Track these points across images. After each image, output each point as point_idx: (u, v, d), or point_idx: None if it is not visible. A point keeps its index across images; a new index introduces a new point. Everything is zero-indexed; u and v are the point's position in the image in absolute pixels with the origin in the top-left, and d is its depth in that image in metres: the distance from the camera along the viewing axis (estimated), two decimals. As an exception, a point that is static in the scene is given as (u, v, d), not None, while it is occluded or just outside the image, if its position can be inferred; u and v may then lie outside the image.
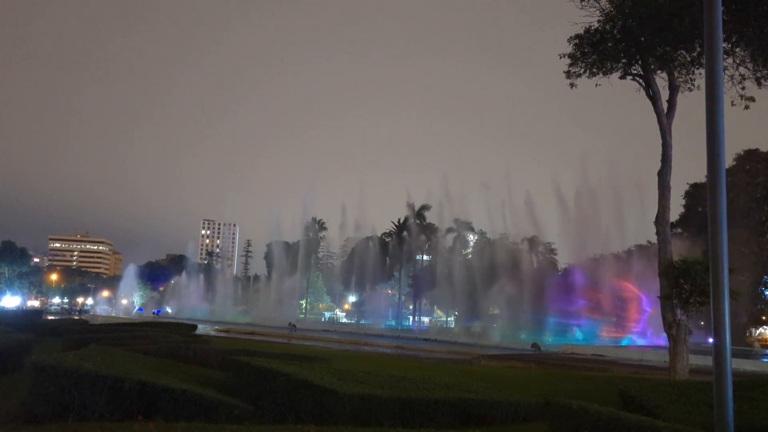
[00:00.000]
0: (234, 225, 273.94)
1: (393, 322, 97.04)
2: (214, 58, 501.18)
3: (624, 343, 58.78)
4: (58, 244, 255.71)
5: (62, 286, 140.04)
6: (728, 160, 61.46)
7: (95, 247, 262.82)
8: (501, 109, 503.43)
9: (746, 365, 34.75)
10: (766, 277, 66.11)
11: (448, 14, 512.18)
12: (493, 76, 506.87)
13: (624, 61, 22.67)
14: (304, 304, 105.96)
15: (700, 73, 22.95)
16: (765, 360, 41.14)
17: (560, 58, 23.11)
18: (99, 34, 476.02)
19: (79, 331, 25.41)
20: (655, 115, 22.89)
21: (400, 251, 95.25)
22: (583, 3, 21.93)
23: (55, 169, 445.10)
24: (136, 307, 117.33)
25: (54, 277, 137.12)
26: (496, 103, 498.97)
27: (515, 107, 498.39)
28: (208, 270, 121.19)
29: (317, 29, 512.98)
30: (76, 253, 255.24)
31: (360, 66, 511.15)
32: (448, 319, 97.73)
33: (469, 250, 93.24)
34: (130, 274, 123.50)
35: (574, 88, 23.26)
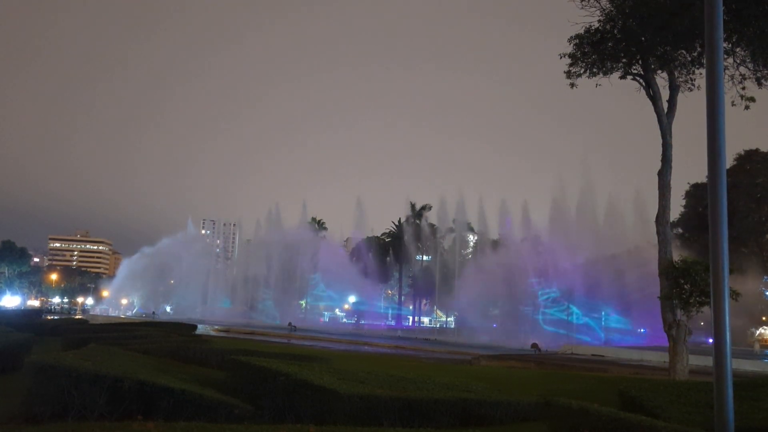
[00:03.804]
0: (234, 225, 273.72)
1: (393, 323, 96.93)
2: (219, 63, 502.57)
3: None
4: (58, 244, 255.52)
5: (62, 286, 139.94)
6: (728, 161, 61.37)
7: (95, 247, 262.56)
8: (501, 112, 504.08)
9: (746, 365, 34.69)
10: (766, 277, 66.06)
11: (448, 23, 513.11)
12: (492, 81, 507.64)
13: (624, 60, 22.64)
14: (304, 305, 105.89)
15: (701, 73, 22.94)
16: (765, 360, 41.10)
17: (560, 57, 23.12)
18: (104, 36, 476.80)
19: (78, 331, 25.43)
20: (655, 115, 22.88)
21: (399, 251, 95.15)
22: (583, 3, 21.91)
23: (55, 169, 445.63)
24: (136, 307, 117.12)
25: (54, 276, 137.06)
26: (495, 106, 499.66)
27: (515, 110, 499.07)
28: (207, 270, 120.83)
29: (321, 38, 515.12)
30: (76, 253, 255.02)
31: (362, 74, 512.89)
32: (448, 319, 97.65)
33: (469, 250, 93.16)
34: (130, 274, 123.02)
35: (574, 87, 23.25)
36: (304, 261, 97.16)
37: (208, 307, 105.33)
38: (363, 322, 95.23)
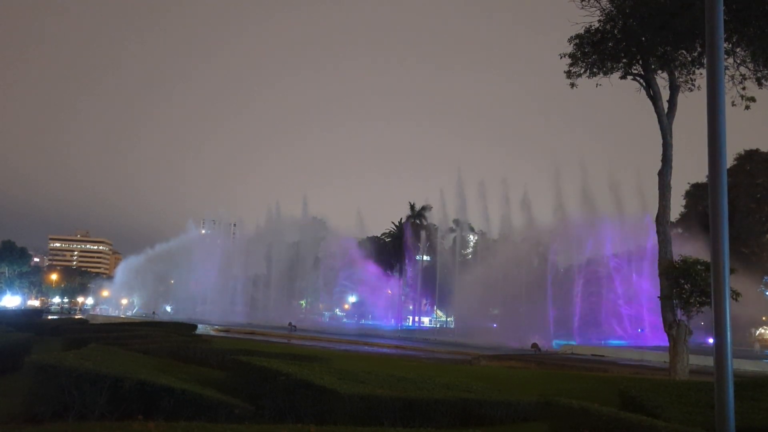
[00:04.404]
0: (234, 225, 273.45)
1: (393, 322, 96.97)
2: (218, 60, 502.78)
3: None
4: (58, 244, 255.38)
5: (62, 286, 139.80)
6: (729, 161, 61.40)
7: (95, 247, 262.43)
8: (501, 112, 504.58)
9: (746, 365, 34.69)
10: (766, 277, 66.08)
11: (448, 21, 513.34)
12: (492, 81, 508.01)
13: (624, 60, 22.64)
14: (304, 304, 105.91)
15: (701, 73, 22.95)
16: (765, 360, 41.09)
17: (561, 57, 23.11)
18: (101, 35, 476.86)
19: (78, 331, 25.44)
20: (655, 115, 22.89)
21: (400, 251, 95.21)
22: (583, 3, 21.91)
23: (55, 169, 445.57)
24: (136, 307, 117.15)
25: (54, 276, 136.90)
26: (495, 107, 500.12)
27: (515, 111, 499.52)
28: (207, 269, 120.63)
29: (319, 37, 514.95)
30: (76, 252, 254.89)
31: (361, 72, 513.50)
32: (448, 319, 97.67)
33: (469, 250, 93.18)
34: (129, 274, 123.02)
35: (574, 87, 23.24)
36: (310, 257, 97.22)
37: (208, 307, 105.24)
38: (363, 321, 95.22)
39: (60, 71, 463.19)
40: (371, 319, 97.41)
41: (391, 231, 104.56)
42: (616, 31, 21.89)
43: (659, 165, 22.83)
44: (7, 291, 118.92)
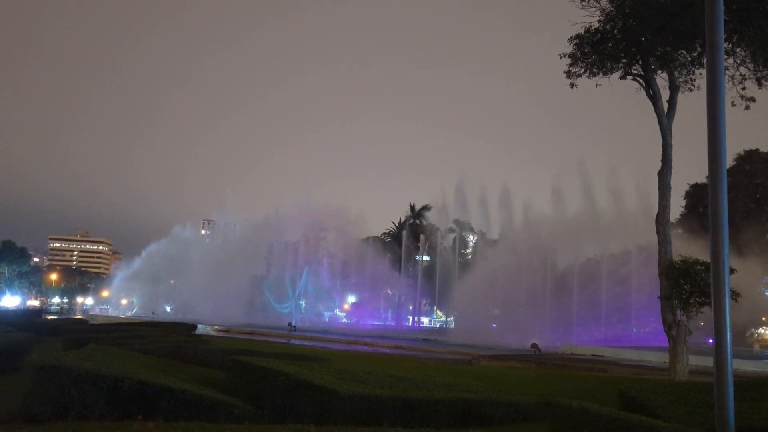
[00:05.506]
0: (234, 225, 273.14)
1: (393, 323, 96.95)
2: (218, 61, 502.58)
3: None
4: (58, 244, 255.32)
5: (62, 286, 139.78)
6: (728, 161, 61.26)
7: (95, 247, 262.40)
8: (502, 112, 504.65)
9: (746, 365, 34.68)
10: (766, 277, 66.06)
11: (449, 22, 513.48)
12: (493, 81, 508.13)
13: (624, 61, 22.64)
14: (304, 304, 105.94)
15: (701, 73, 22.95)
16: (765, 360, 41.08)
17: (560, 58, 23.11)
18: (102, 36, 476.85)
19: (78, 331, 25.45)
20: (655, 116, 22.89)
21: (400, 251, 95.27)
22: (583, 3, 21.91)
23: (55, 169, 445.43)
24: (136, 307, 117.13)
25: (54, 276, 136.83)
26: (496, 106, 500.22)
27: (516, 111, 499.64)
28: (207, 270, 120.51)
29: (323, 37, 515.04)
30: (76, 252, 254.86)
31: (361, 72, 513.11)
32: (448, 319, 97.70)
33: (469, 250, 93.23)
34: (128, 275, 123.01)
35: (574, 87, 23.25)
36: (310, 257, 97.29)
37: (208, 307, 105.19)
38: (362, 322, 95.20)
39: (60, 72, 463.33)
40: (371, 320, 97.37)
41: (391, 231, 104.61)
42: (615, 32, 21.88)
43: (659, 165, 22.83)
44: (7, 291, 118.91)
